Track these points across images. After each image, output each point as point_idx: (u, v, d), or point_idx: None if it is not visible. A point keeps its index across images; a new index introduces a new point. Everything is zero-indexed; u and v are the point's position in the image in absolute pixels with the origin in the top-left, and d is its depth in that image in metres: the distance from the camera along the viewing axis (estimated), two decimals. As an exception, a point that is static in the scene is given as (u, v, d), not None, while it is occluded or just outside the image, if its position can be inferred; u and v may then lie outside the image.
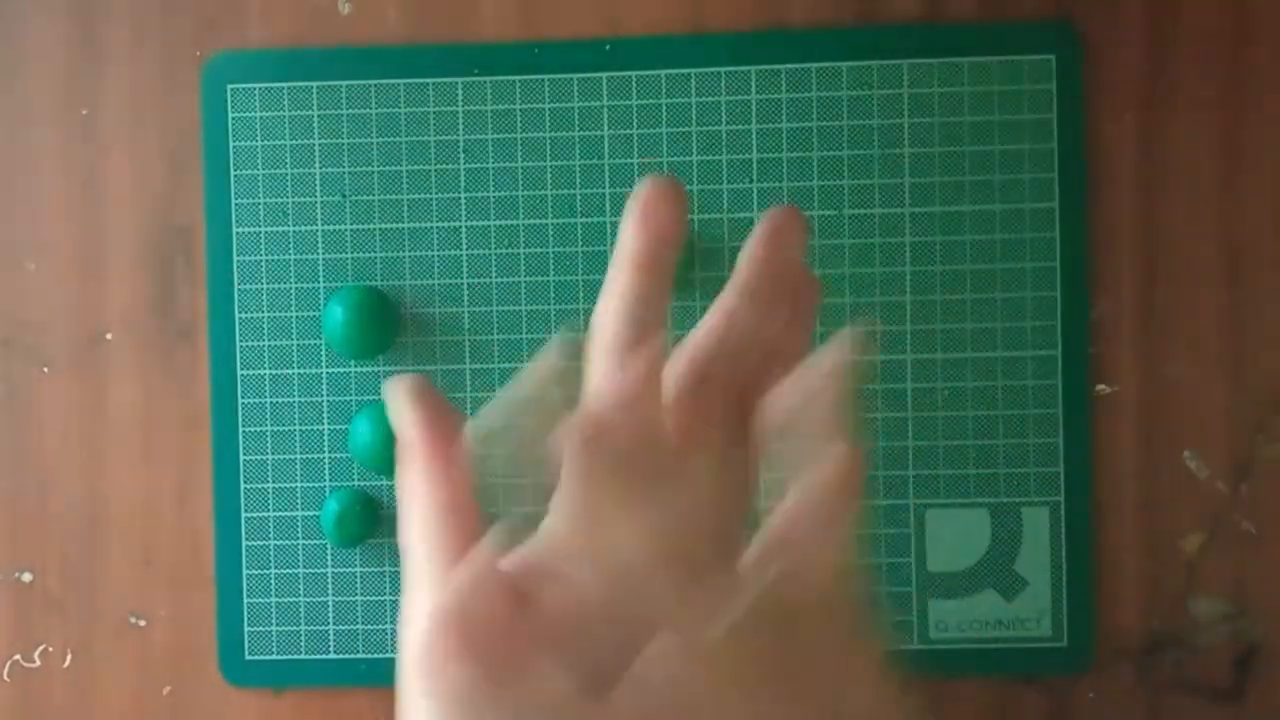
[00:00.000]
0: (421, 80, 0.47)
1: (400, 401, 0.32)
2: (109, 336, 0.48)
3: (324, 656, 0.47)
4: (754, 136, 0.46)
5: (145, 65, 0.48)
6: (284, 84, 0.47)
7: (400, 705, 0.29)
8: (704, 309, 0.46)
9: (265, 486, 0.47)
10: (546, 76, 0.47)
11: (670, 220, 0.31)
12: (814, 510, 0.31)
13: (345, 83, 0.47)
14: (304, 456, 0.47)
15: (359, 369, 0.47)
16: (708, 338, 0.33)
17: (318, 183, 0.47)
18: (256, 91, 0.47)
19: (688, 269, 0.46)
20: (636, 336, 0.31)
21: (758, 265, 0.33)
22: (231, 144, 0.47)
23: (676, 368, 0.33)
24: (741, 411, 0.32)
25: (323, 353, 0.47)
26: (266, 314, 0.47)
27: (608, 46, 0.47)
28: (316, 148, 0.47)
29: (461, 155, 0.47)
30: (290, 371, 0.47)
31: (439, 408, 0.32)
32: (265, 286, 0.47)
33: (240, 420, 0.47)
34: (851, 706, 0.30)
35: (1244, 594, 0.46)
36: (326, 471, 0.47)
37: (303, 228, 0.47)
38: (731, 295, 0.33)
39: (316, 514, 0.47)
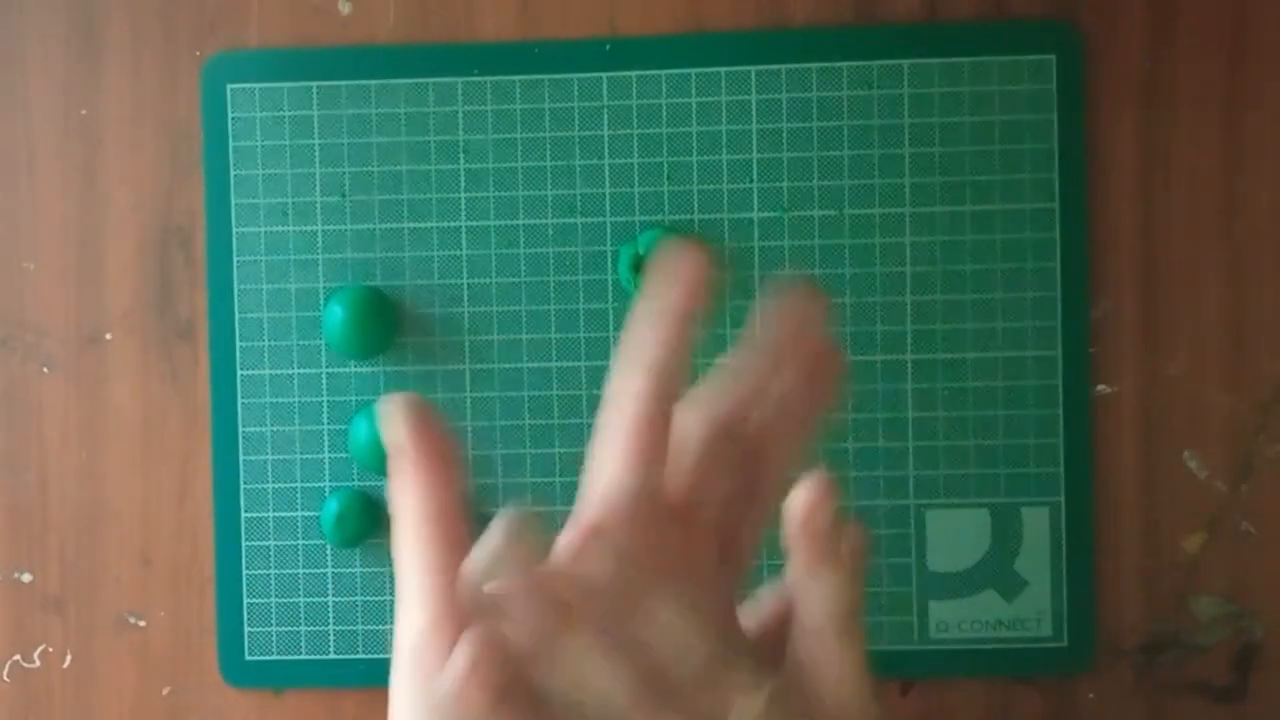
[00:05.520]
0: (421, 80, 0.47)
1: (393, 414, 0.32)
2: (109, 336, 0.48)
3: (324, 657, 0.47)
4: (754, 136, 0.46)
5: (145, 65, 0.48)
6: (284, 84, 0.47)
7: (390, 705, 0.30)
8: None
9: (265, 486, 0.47)
10: (546, 76, 0.47)
11: (701, 277, 0.32)
12: (817, 638, 0.32)
13: (345, 83, 0.47)
14: (304, 456, 0.47)
15: (359, 369, 0.47)
16: (718, 389, 0.34)
17: (318, 183, 0.47)
18: (256, 91, 0.47)
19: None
20: (658, 399, 0.32)
21: (770, 327, 0.34)
22: (231, 144, 0.47)
23: (689, 421, 0.33)
24: (751, 474, 0.33)
25: (323, 353, 0.47)
26: (266, 314, 0.47)
27: (608, 46, 0.47)
28: (316, 148, 0.47)
29: (461, 155, 0.47)
30: (290, 371, 0.47)
31: (430, 420, 0.32)
32: (265, 286, 0.47)
33: (240, 420, 0.47)
34: None
35: (1244, 594, 0.46)
36: (326, 471, 0.47)
37: (303, 228, 0.47)
38: (741, 352, 0.34)
39: (316, 514, 0.47)
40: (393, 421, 0.32)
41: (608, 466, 0.31)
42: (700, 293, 0.32)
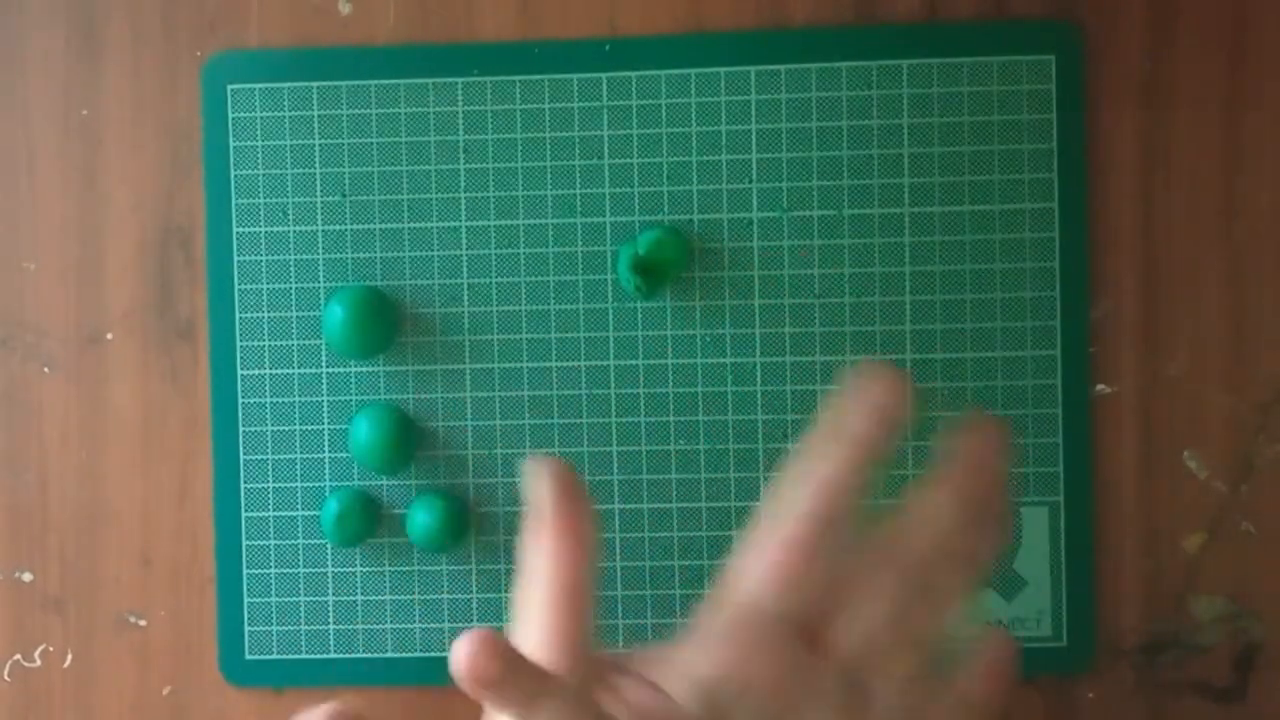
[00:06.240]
0: (421, 80, 0.47)
1: (540, 477, 0.32)
2: (109, 336, 0.48)
3: (324, 656, 0.47)
4: (753, 137, 0.46)
5: (145, 65, 0.48)
6: (284, 84, 0.47)
7: None
8: (703, 309, 0.46)
9: (265, 486, 0.47)
10: (546, 76, 0.47)
11: (896, 407, 0.32)
12: None
13: (345, 83, 0.47)
14: (304, 456, 0.47)
15: (359, 369, 0.47)
16: (888, 521, 0.33)
17: (318, 183, 0.47)
18: (256, 91, 0.47)
19: (686, 269, 0.46)
20: (822, 524, 0.31)
21: (949, 467, 0.33)
22: (231, 144, 0.47)
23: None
24: (907, 610, 0.33)
25: (323, 353, 0.47)
26: (266, 314, 0.47)
27: (607, 46, 0.47)
28: (316, 148, 0.47)
29: (461, 155, 0.47)
30: (290, 371, 0.47)
31: (577, 492, 0.32)
32: (265, 286, 0.47)
33: (240, 420, 0.47)
34: None
35: (1244, 594, 0.46)
36: (326, 471, 0.47)
37: (303, 228, 0.47)
38: (948, 507, 0.33)
39: (316, 514, 0.47)
40: (539, 484, 0.32)
41: (751, 577, 0.31)
42: (891, 423, 0.31)
